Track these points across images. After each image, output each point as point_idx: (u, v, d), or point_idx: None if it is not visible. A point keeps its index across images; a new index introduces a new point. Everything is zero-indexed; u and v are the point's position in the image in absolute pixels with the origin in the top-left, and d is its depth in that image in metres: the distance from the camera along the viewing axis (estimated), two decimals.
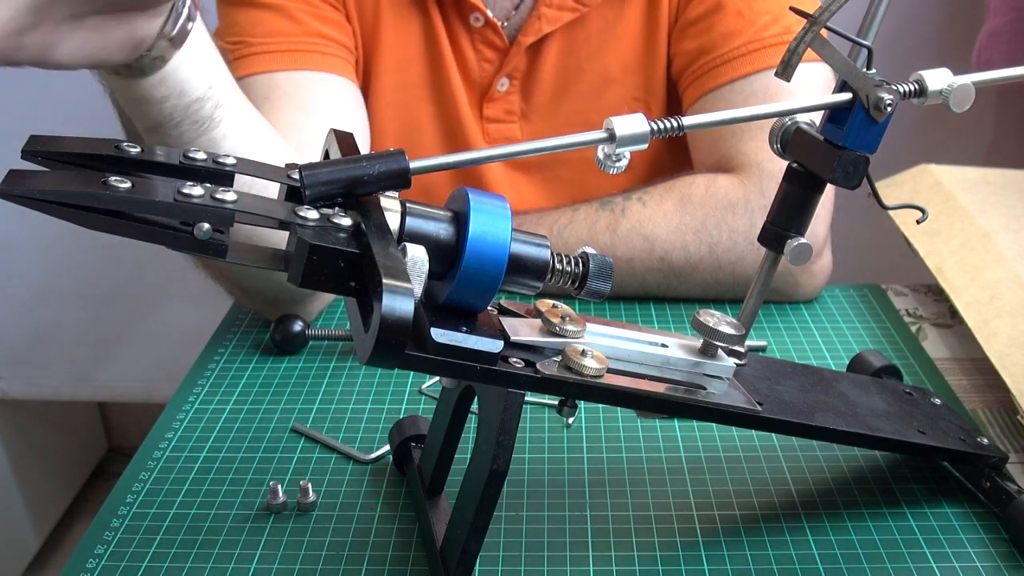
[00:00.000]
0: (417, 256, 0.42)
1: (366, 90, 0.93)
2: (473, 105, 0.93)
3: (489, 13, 0.89)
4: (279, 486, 0.60)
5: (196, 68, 0.61)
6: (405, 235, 0.45)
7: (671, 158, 0.95)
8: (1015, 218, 0.83)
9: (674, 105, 0.93)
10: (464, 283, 0.45)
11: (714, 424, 0.65)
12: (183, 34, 0.58)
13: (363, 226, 0.42)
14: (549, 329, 0.50)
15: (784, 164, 0.56)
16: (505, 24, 0.90)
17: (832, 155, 0.52)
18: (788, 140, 0.55)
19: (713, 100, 0.86)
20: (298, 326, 0.77)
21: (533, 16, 0.89)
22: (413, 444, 0.62)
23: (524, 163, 0.95)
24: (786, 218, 0.55)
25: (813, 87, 0.83)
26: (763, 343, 0.78)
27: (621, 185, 0.88)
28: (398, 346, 0.38)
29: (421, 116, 0.93)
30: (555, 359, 0.49)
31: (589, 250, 0.49)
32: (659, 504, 0.60)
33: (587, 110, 0.92)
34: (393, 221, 0.44)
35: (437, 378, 0.72)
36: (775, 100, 0.82)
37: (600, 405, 0.68)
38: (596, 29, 0.91)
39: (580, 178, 0.94)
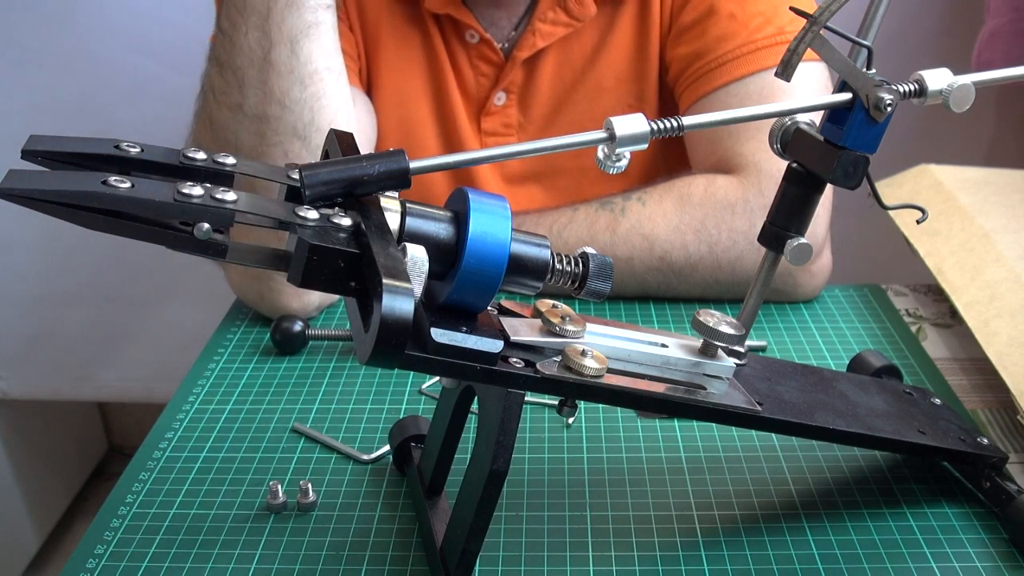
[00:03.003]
0: (417, 256, 0.42)
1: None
2: (472, 119, 0.93)
3: (487, 32, 0.90)
4: (279, 486, 0.60)
5: None
6: (405, 235, 0.45)
7: (666, 163, 0.95)
8: (1015, 218, 0.83)
9: (667, 110, 0.94)
10: (464, 283, 0.45)
11: (714, 424, 0.65)
12: None
13: (363, 226, 0.42)
14: (549, 329, 0.50)
15: (783, 164, 0.56)
16: (504, 45, 0.91)
17: (832, 155, 0.52)
18: (788, 140, 0.55)
19: (709, 104, 0.86)
20: (298, 326, 0.77)
21: (528, 32, 0.90)
22: (413, 444, 0.62)
23: (520, 174, 0.96)
24: (786, 218, 0.55)
25: (810, 87, 0.83)
26: (763, 343, 0.78)
27: None
28: (398, 346, 0.38)
29: (421, 128, 0.94)
30: (555, 359, 0.49)
31: (589, 250, 0.49)
32: (659, 504, 0.60)
33: (582, 120, 0.93)
34: (393, 221, 0.44)
35: (437, 378, 0.72)
36: (771, 101, 0.82)
37: (600, 405, 0.68)
38: (590, 41, 0.91)
39: (576, 187, 0.94)
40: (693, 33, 0.88)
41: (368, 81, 0.93)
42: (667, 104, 0.93)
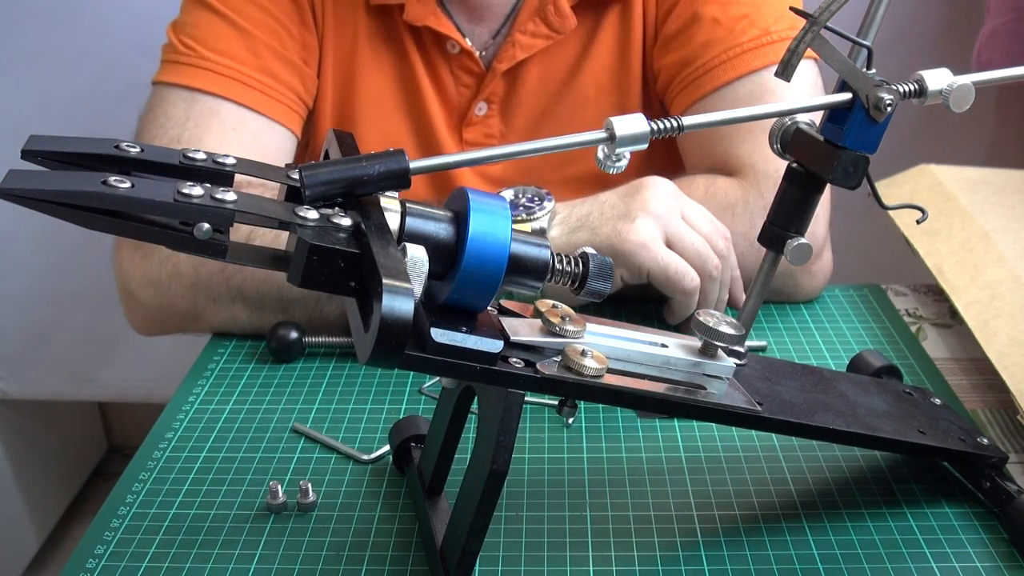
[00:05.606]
0: (417, 256, 0.42)
1: (346, 119, 0.93)
2: (452, 129, 0.94)
3: (467, 42, 0.90)
4: (279, 486, 0.60)
5: None
6: (405, 235, 0.45)
7: (661, 169, 0.95)
8: (1015, 218, 0.83)
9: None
10: (464, 283, 0.45)
11: (714, 424, 0.65)
12: None
13: (363, 226, 0.42)
14: (549, 329, 0.50)
15: (780, 164, 0.56)
16: (483, 53, 0.92)
17: (832, 155, 0.52)
18: (788, 140, 0.55)
19: (700, 110, 0.86)
20: (294, 334, 0.76)
21: (508, 43, 0.90)
22: (413, 444, 0.62)
23: (503, 184, 0.95)
24: (786, 218, 0.55)
25: (801, 87, 0.83)
26: (763, 343, 0.78)
27: None
28: (398, 346, 0.38)
29: (400, 143, 0.93)
30: (555, 359, 0.49)
31: (589, 250, 0.49)
32: (659, 504, 0.60)
33: (564, 130, 0.91)
34: (393, 221, 0.44)
35: (437, 378, 0.72)
36: (762, 103, 0.82)
37: (600, 405, 0.68)
38: (572, 51, 0.92)
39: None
40: (679, 41, 0.88)
41: (344, 99, 0.93)
42: (650, 115, 0.93)
